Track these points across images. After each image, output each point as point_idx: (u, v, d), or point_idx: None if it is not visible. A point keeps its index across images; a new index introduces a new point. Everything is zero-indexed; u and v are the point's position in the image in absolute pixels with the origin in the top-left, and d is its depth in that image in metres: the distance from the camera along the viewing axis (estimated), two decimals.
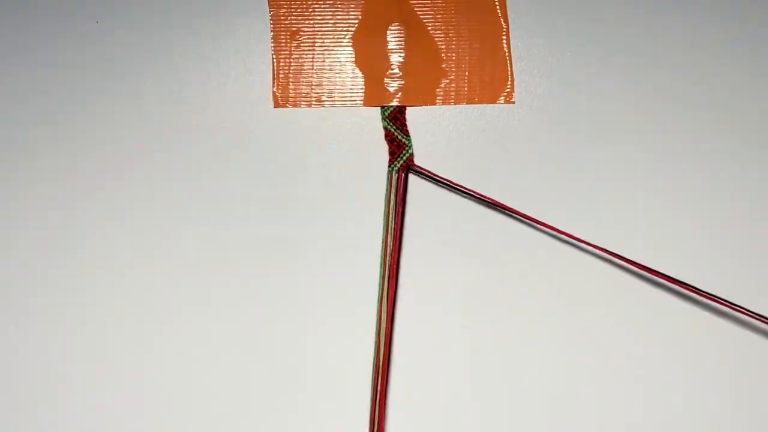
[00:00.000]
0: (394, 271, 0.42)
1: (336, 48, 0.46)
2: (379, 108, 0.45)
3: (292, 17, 0.46)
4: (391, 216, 0.43)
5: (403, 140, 0.44)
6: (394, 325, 0.42)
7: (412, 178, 0.44)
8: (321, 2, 0.46)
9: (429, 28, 0.46)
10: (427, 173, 0.44)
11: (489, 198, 0.43)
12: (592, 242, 0.43)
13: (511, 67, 0.46)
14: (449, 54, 0.46)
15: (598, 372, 0.42)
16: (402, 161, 0.44)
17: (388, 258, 0.42)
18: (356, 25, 0.46)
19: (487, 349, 0.42)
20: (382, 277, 0.42)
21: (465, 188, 0.44)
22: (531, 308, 0.43)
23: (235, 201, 0.44)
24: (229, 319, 0.43)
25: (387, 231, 0.43)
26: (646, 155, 0.45)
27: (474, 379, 0.42)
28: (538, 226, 0.44)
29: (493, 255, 0.44)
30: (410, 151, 0.44)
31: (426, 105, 0.45)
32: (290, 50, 0.46)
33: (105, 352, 0.42)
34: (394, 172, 0.44)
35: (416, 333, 0.42)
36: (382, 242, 0.43)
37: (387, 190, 0.44)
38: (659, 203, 0.44)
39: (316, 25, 0.46)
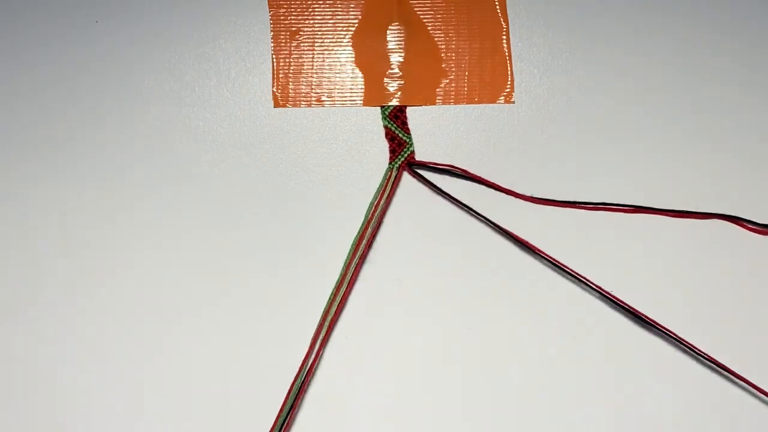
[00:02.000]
0: (362, 260, 0.42)
1: (336, 48, 0.46)
2: (379, 108, 0.45)
3: (292, 17, 0.46)
4: (378, 210, 0.43)
5: (404, 138, 0.44)
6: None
7: (410, 180, 0.44)
8: (321, 2, 0.46)
9: (429, 28, 0.46)
10: (429, 164, 0.44)
11: (493, 183, 0.44)
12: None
13: (511, 67, 0.46)
14: (449, 54, 0.46)
15: (589, 369, 0.42)
16: (403, 158, 0.44)
17: (360, 250, 0.42)
18: (356, 25, 0.46)
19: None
20: (347, 265, 0.42)
21: (467, 172, 0.44)
22: (524, 309, 0.43)
23: (234, 201, 0.44)
24: (226, 318, 0.42)
25: (368, 223, 0.43)
26: (646, 155, 0.45)
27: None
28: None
29: (495, 255, 0.43)
30: (411, 149, 0.44)
31: (426, 105, 0.45)
32: (290, 50, 0.46)
33: (104, 352, 0.42)
34: (394, 169, 0.44)
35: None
36: (359, 232, 0.43)
37: (381, 185, 0.44)
38: (661, 204, 0.44)
39: (316, 25, 0.46)
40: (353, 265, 0.42)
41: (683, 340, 0.42)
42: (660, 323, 0.42)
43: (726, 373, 0.42)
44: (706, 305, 0.43)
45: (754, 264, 0.44)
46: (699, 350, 0.41)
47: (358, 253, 0.42)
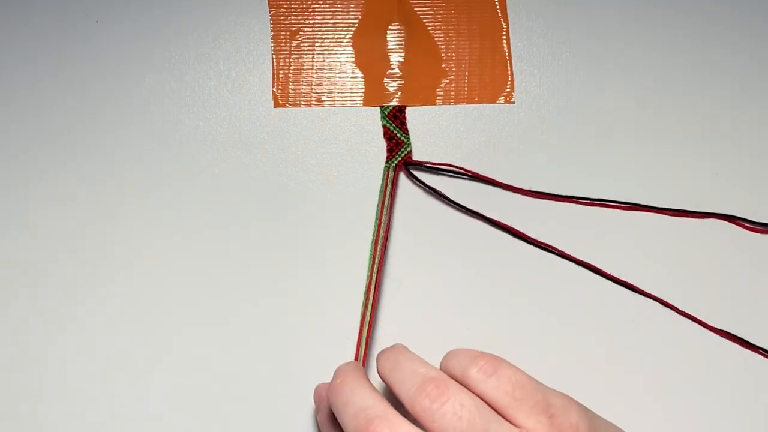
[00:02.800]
0: (381, 263, 0.42)
1: (336, 48, 0.46)
2: (379, 107, 0.45)
3: (292, 17, 0.46)
4: (384, 211, 0.43)
5: (402, 138, 0.44)
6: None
7: (409, 180, 0.44)
8: (321, 2, 0.46)
9: (429, 28, 0.46)
10: (425, 164, 0.44)
11: (490, 178, 0.44)
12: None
13: (511, 67, 0.46)
14: (449, 54, 0.46)
15: (593, 364, 0.42)
16: (400, 158, 0.44)
17: (377, 253, 0.42)
18: (356, 25, 0.46)
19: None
20: (370, 270, 0.42)
21: (465, 169, 0.44)
22: (524, 308, 0.43)
23: (234, 201, 0.44)
24: (225, 318, 0.42)
25: (380, 225, 0.43)
26: (646, 155, 0.45)
27: None
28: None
29: (493, 253, 0.44)
30: (409, 149, 0.44)
31: (426, 105, 0.45)
32: (290, 50, 0.46)
33: (104, 353, 0.42)
34: (391, 169, 0.44)
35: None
36: (373, 236, 0.43)
37: (382, 185, 0.44)
38: (660, 203, 0.44)
39: (316, 25, 0.46)
40: (375, 270, 0.42)
41: (694, 316, 0.42)
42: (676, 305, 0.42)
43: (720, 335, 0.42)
44: (703, 304, 0.43)
45: (752, 263, 0.44)
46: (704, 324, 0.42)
47: (377, 257, 0.42)
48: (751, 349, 0.42)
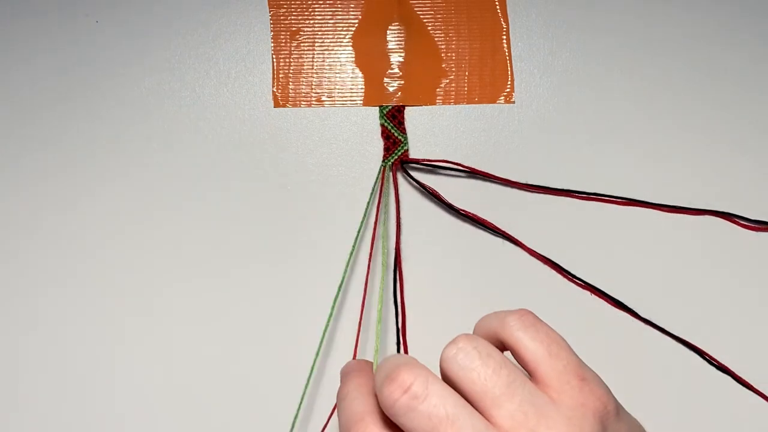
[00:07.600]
0: (400, 263, 0.42)
1: (336, 48, 0.46)
2: (378, 106, 0.45)
3: (292, 17, 0.46)
4: (382, 210, 0.43)
5: (399, 137, 0.44)
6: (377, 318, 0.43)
7: (405, 179, 0.44)
8: (321, 2, 0.46)
9: (429, 28, 0.46)
10: (422, 161, 0.44)
11: (486, 173, 0.44)
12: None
13: (511, 67, 0.46)
14: (449, 54, 0.46)
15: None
16: (396, 156, 0.44)
17: (388, 256, 0.42)
18: (356, 25, 0.46)
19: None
20: (345, 272, 0.42)
21: (461, 165, 0.44)
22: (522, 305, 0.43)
23: (234, 201, 0.44)
24: (226, 318, 0.43)
25: (376, 223, 0.43)
26: (646, 155, 0.45)
27: None
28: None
29: (490, 252, 0.44)
30: (405, 147, 0.44)
31: (426, 105, 0.45)
32: (290, 50, 0.46)
33: (104, 352, 0.42)
34: (387, 167, 0.44)
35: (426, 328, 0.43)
36: (357, 234, 0.43)
37: (376, 184, 0.44)
38: (658, 200, 0.44)
39: (316, 25, 0.46)
40: (396, 272, 0.42)
41: (677, 336, 0.42)
42: (653, 321, 0.42)
43: (716, 367, 0.42)
44: (698, 301, 0.43)
45: (747, 261, 0.44)
46: (691, 344, 0.42)
47: (386, 262, 0.42)
48: (744, 385, 0.42)
